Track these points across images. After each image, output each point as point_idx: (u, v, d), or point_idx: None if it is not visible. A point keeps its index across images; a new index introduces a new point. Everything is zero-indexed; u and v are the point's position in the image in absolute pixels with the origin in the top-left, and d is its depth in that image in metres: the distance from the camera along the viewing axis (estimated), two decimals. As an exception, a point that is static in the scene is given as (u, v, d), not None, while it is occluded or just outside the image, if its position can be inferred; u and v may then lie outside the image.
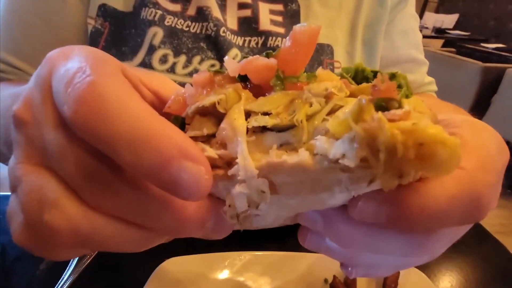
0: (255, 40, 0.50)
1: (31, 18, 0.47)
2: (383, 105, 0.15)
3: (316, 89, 0.17)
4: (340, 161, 0.13)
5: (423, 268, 0.47)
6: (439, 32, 3.86)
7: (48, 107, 0.16)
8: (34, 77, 0.18)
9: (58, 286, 0.43)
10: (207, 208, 0.17)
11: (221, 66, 0.49)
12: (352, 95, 0.17)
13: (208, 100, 0.17)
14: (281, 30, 0.51)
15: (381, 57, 0.57)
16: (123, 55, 0.47)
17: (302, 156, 0.14)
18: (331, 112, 0.16)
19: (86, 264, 0.45)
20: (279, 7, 0.51)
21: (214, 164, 0.16)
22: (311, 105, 0.16)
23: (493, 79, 2.33)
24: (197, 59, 0.48)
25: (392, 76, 0.20)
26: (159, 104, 0.22)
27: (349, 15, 0.53)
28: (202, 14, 0.48)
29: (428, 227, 0.17)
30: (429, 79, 0.63)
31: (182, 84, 0.50)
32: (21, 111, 0.17)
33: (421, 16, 4.48)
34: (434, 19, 4.06)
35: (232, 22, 0.50)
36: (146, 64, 0.46)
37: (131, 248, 0.18)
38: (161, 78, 0.22)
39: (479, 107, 2.41)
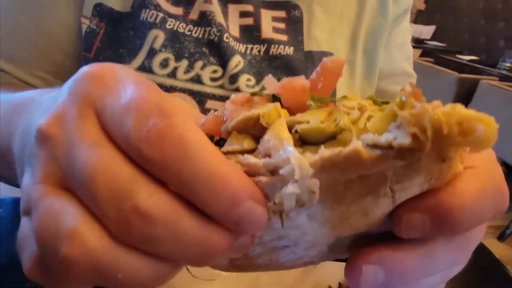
0: (257, 47, 0.50)
1: (17, 16, 0.44)
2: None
3: (349, 104, 0.17)
4: (393, 142, 0.14)
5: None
6: (418, 42, 4.03)
7: (88, 123, 0.15)
8: (69, 92, 0.17)
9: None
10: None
11: (224, 72, 0.47)
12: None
13: (253, 112, 0.17)
14: (283, 37, 0.50)
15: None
16: (120, 57, 0.44)
17: (356, 145, 0.15)
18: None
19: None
20: (282, 13, 0.51)
21: (257, 172, 0.16)
22: (349, 115, 0.17)
23: (468, 89, 2.46)
24: (199, 64, 0.46)
25: (386, 103, 0.21)
26: None
27: (350, 24, 0.54)
28: (205, 19, 0.46)
29: (469, 226, 0.18)
30: None
31: (183, 90, 0.48)
32: (49, 126, 0.16)
33: (400, 26, 4.65)
34: (413, 30, 4.18)
35: (234, 29, 0.49)
36: (146, 68, 0.44)
37: (154, 284, 0.16)
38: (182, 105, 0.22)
39: (455, 116, 2.52)
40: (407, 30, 0.62)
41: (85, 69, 0.17)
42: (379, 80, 0.58)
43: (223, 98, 0.48)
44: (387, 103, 0.21)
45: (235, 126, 0.17)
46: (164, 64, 0.45)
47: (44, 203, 0.15)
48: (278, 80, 0.56)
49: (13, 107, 0.25)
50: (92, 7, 0.44)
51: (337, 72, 0.19)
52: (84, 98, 0.16)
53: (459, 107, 0.14)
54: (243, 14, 0.49)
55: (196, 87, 0.46)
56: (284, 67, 0.50)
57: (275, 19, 0.51)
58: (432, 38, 4.34)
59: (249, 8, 0.49)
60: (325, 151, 0.15)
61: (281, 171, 0.15)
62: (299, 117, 0.17)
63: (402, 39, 0.60)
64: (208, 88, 0.47)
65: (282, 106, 0.19)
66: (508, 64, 2.95)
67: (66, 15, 0.45)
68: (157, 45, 0.44)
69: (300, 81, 0.18)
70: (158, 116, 0.14)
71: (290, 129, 0.17)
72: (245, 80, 0.48)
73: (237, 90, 0.47)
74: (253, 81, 0.48)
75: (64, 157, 0.15)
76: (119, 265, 0.14)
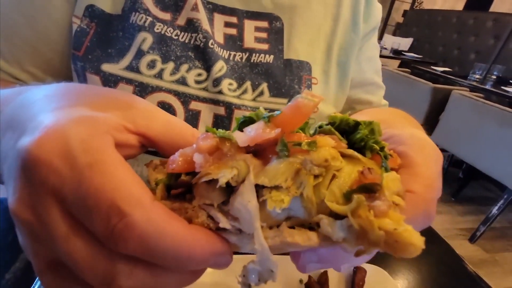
0: (239, 55, 0.53)
1: (11, 13, 0.45)
2: (367, 187, 0.18)
3: (317, 160, 0.18)
4: (342, 244, 0.18)
5: (385, 267, 0.52)
6: (396, 53, 4.21)
7: (55, 214, 0.17)
8: (24, 175, 0.17)
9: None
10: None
11: (208, 76, 0.50)
12: (342, 154, 0.20)
13: (223, 177, 0.18)
14: (264, 46, 0.54)
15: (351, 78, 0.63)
16: (108, 57, 0.46)
17: (313, 240, 0.18)
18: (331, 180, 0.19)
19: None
20: (265, 24, 0.55)
21: (227, 230, 0.19)
22: (314, 176, 0.18)
23: (441, 98, 2.59)
24: (184, 67, 0.49)
25: (369, 123, 0.23)
26: (147, 143, 0.23)
27: (326, 37, 0.58)
28: (192, 26, 0.49)
29: None
30: (385, 102, 0.71)
31: (168, 91, 0.50)
32: (20, 211, 0.17)
33: (381, 37, 4.86)
34: (392, 41, 4.42)
35: (219, 36, 0.52)
36: (133, 68, 0.46)
37: None
38: (146, 114, 0.22)
39: (429, 123, 2.66)
40: (375, 46, 0.67)
41: (30, 148, 0.17)
42: (350, 89, 0.63)
43: (206, 100, 0.51)
44: (348, 125, 0.23)
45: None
46: (152, 65, 0.47)
47: (43, 280, 0.19)
48: (258, 85, 0.59)
49: None
50: (84, 7, 0.46)
51: (308, 113, 0.19)
52: (41, 190, 0.17)
53: (401, 230, 0.16)
54: (228, 24, 0.53)
55: (181, 88, 0.49)
56: (264, 73, 0.53)
57: (257, 29, 0.54)
58: (410, 50, 4.55)
59: (233, 20, 0.53)
60: (286, 236, 0.18)
61: (248, 249, 0.18)
62: (269, 177, 0.18)
63: (371, 53, 0.66)
64: (193, 90, 0.50)
65: (251, 152, 0.19)
66: (477, 76, 3.14)
67: (60, 14, 0.47)
68: (145, 47, 0.47)
69: (270, 134, 0.18)
70: (117, 216, 0.16)
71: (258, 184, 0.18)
72: (227, 84, 0.51)
73: (220, 92, 0.50)
74: (234, 85, 0.52)
75: (47, 245, 0.18)
76: None
